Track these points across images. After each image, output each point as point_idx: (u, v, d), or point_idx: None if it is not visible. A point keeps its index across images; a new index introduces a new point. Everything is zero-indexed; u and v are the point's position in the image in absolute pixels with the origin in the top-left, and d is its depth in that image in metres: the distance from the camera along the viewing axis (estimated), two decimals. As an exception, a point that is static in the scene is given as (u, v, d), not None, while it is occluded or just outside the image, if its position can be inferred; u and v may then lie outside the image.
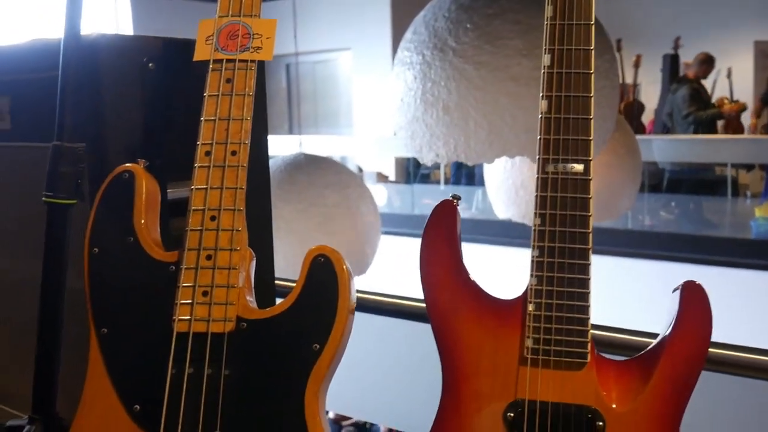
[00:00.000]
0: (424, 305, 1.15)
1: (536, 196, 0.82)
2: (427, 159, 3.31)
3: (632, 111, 6.59)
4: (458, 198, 0.87)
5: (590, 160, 0.81)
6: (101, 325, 0.86)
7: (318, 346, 0.82)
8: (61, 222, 0.93)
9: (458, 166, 6.83)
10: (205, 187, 0.88)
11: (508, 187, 3.58)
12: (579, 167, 0.81)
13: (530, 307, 0.80)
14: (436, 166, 7.31)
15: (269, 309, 0.84)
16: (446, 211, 0.85)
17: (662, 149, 6.24)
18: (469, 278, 0.83)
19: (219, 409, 0.81)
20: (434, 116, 3.14)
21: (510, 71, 2.97)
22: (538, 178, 0.82)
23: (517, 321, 0.81)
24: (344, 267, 0.84)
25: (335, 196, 3.22)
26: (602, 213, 3.95)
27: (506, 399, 0.79)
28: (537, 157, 0.82)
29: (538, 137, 0.83)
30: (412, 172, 7.40)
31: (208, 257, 0.86)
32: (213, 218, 0.87)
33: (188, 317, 0.84)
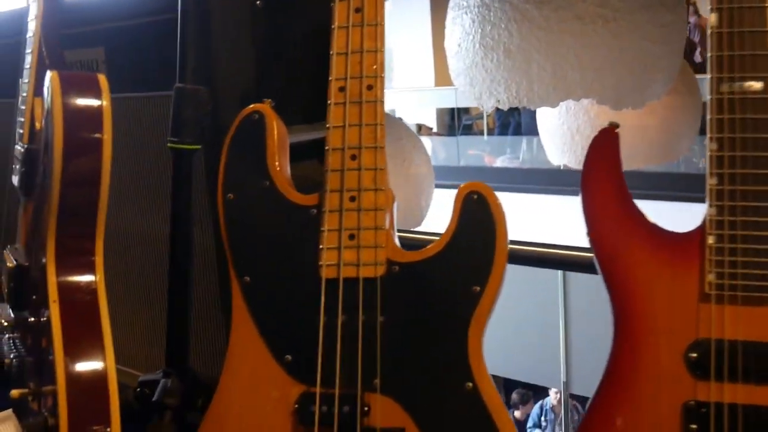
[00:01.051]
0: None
1: (710, 119, 0.75)
2: (488, 106, 3.22)
3: (689, 48, 6.35)
4: (616, 125, 0.81)
5: (768, 78, 0.74)
6: (244, 273, 0.82)
7: (478, 289, 0.77)
8: (187, 169, 0.89)
9: (503, 116, 6.71)
10: (342, 125, 0.82)
11: (563, 132, 3.48)
12: (758, 85, 0.74)
13: (710, 240, 0.74)
14: (479, 116, 7.20)
15: (421, 251, 0.80)
16: (607, 140, 0.79)
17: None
18: (637, 210, 0.77)
19: (377, 357, 0.77)
20: (495, 60, 3.04)
21: (574, 9, 2.85)
22: (711, 99, 0.75)
23: (694, 255, 0.75)
24: (499, 203, 0.79)
25: (389, 148, 3.16)
26: (662, 155, 3.84)
27: (687, 339, 0.74)
28: (710, 76, 0.76)
29: (708, 55, 0.76)
30: (455, 123, 7.29)
31: (352, 198, 0.81)
32: (354, 157, 0.82)
33: (336, 262, 0.80)
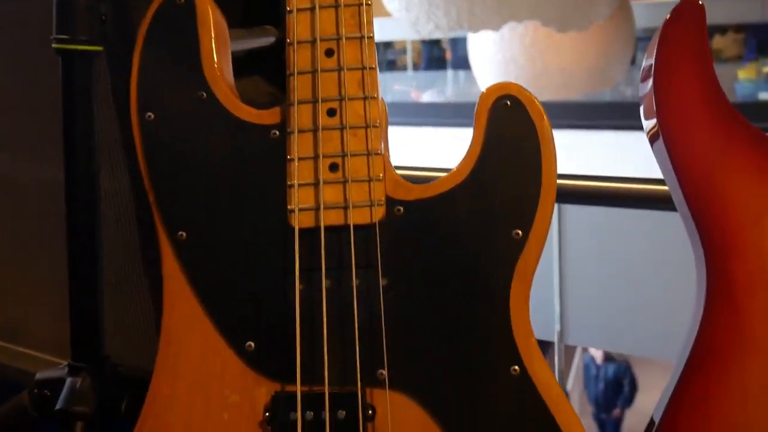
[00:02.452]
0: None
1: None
2: (425, 31, 2.97)
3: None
4: (695, -1, 0.58)
5: None
6: (176, 227, 0.57)
7: (520, 233, 0.54)
8: (85, 81, 0.62)
9: (429, 48, 6.45)
10: (310, 6, 0.57)
11: (497, 62, 3.28)
12: None
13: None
14: (403, 51, 6.90)
15: (434, 184, 0.56)
16: (691, 15, 0.56)
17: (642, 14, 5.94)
18: (732, 108, 0.55)
19: (381, 338, 0.54)
20: (433, -18, 2.79)
21: None
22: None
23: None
24: (542, 112, 0.55)
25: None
26: (599, 82, 3.70)
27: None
28: None
29: None
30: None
31: (331, 112, 0.56)
32: (330, 52, 0.56)
33: (313, 205, 0.55)
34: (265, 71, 0.81)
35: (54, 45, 0.60)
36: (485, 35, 3.17)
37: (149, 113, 0.58)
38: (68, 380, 0.65)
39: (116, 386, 0.66)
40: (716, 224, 0.54)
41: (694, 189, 0.55)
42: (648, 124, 0.58)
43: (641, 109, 0.60)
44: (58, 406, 0.63)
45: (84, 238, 0.64)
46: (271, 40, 0.80)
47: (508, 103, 0.55)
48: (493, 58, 3.22)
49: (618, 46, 3.23)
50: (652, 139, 0.58)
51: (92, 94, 0.62)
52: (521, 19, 2.91)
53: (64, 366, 0.67)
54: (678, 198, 0.56)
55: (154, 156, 0.58)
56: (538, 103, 0.55)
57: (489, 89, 0.56)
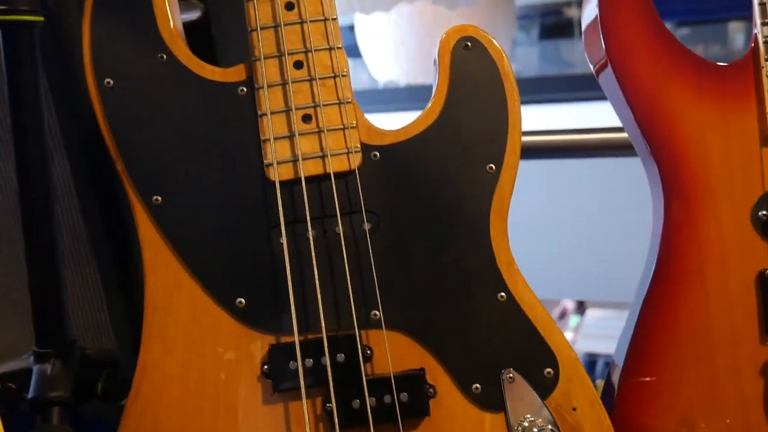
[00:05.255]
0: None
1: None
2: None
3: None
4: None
5: None
6: (150, 192, 0.55)
7: (494, 167, 0.57)
8: (28, 56, 0.59)
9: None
10: (265, -39, 0.57)
11: (385, 46, 3.31)
12: None
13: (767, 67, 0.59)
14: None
15: (405, 128, 0.57)
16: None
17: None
18: (671, 35, 0.60)
19: (373, 281, 0.55)
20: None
21: None
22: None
23: (747, 91, 0.59)
24: (501, 51, 0.58)
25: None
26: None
27: (752, 194, 0.59)
28: None
29: None
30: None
31: (297, 64, 0.56)
32: (290, 6, 0.57)
33: (291, 157, 0.56)
34: (193, 47, 0.79)
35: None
36: (373, 21, 3.19)
37: (107, 80, 0.56)
38: (36, 368, 0.62)
39: (88, 369, 0.64)
40: (665, 139, 0.59)
41: (642, 109, 0.59)
42: (594, 56, 0.62)
43: (584, 43, 0.64)
44: (31, 395, 0.60)
45: (40, 218, 0.61)
46: (197, 14, 0.78)
47: (469, 44, 0.58)
48: (382, 43, 3.24)
49: (501, 24, 3.33)
50: (600, 70, 0.62)
51: (37, 66, 0.59)
52: (412, -1, 2.95)
53: (27, 355, 0.64)
54: (628, 120, 0.60)
55: (118, 123, 0.56)
56: (495, 42, 0.58)
57: (448, 33, 0.58)
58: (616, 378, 0.61)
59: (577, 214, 2.05)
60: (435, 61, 0.59)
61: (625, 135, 0.98)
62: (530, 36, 4.87)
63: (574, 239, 2.06)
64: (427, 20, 3.07)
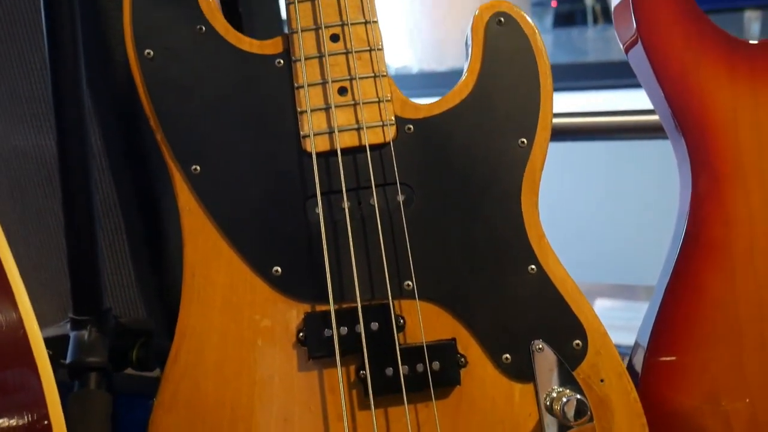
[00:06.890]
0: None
1: None
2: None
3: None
4: None
5: None
6: (190, 161, 0.57)
7: (525, 141, 0.58)
8: (68, 16, 0.60)
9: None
10: (303, -65, 0.58)
11: (399, 31, 3.31)
12: None
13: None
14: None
15: (439, 102, 0.58)
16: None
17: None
18: (701, 12, 0.60)
19: (407, 252, 0.56)
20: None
21: None
22: None
23: (777, 67, 0.60)
24: (534, 27, 0.59)
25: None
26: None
27: (782, 171, 0.60)
28: None
29: None
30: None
31: (334, 37, 0.57)
32: (327, -20, 0.58)
33: (327, 129, 0.57)
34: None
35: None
36: (387, 6, 3.19)
37: (148, 50, 0.57)
38: (73, 334, 0.64)
39: (122, 337, 0.66)
40: (695, 115, 0.60)
41: (672, 86, 0.60)
42: (624, 33, 0.62)
43: (614, 20, 0.64)
44: (69, 360, 0.62)
45: (79, 186, 0.62)
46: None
47: (502, 20, 0.58)
48: (396, 28, 3.24)
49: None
50: (630, 47, 0.62)
51: (76, 28, 0.60)
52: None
53: (63, 322, 0.66)
54: (657, 97, 0.61)
55: (158, 93, 0.57)
56: (528, 18, 0.59)
57: (482, 8, 0.59)
58: (638, 360, 0.62)
59: (585, 199, 2.05)
60: (467, 37, 0.59)
61: (638, 119, 0.98)
62: (544, 24, 4.83)
63: (586, 224, 2.05)
64: (442, 6, 3.07)
